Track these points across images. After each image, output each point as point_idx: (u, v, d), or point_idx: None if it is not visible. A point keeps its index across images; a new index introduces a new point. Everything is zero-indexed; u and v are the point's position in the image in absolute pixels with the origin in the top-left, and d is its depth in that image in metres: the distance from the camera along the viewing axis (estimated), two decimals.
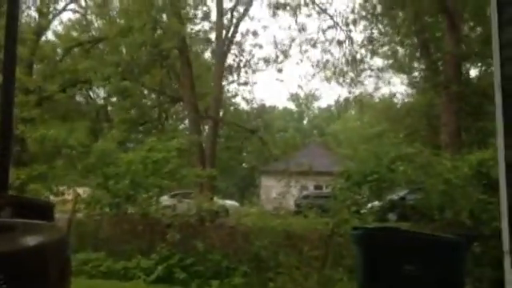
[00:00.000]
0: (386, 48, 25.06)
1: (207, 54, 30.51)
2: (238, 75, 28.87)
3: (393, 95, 29.49)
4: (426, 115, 25.47)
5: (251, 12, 26.94)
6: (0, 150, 3.89)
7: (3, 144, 3.94)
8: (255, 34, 27.18)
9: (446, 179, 9.55)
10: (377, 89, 27.92)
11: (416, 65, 26.26)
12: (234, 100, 31.78)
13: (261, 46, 28.07)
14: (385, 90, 28.14)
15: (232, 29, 26.40)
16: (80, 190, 12.88)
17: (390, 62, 25.76)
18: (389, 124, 27.86)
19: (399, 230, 5.45)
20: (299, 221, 10.87)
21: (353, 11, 24.28)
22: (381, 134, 26.33)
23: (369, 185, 10.97)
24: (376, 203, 13.79)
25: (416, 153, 11.17)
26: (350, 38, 25.20)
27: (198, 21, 25.85)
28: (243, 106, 32.24)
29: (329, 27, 25.43)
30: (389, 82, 27.22)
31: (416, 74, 26.51)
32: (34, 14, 22.76)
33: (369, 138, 27.92)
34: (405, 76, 26.88)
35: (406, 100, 28.83)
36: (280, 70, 27.29)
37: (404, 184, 12.24)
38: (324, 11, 25.40)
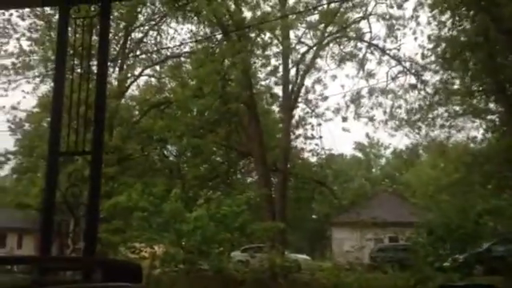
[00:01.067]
0: (458, 92, 24.22)
1: (275, 107, 31.04)
2: (305, 129, 29.01)
3: (469, 140, 27.99)
4: (506, 160, 23.87)
5: (317, 62, 27.02)
6: (89, 216, 4.17)
7: (93, 212, 4.22)
8: (322, 83, 27.25)
9: None
10: (451, 134, 26.69)
11: (492, 107, 25.04)
12: (301, 152, 31.68)
13: (325, 98, 27.69)
14: (459, 135, 26.73)
15: (298, 81, 26.80)
16: (156, 248, 13.23)
17: (464, 106, 24.77)
18: (465, 171, 26.34)
19: None
20: (377, 276, 10.39)
21: (423, 57, 24.00)
22: (457, 182, 24.93)
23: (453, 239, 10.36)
24: (457, 256, 12.85)
25: (506, 205, 10.49)
26: (422, 83, 24.78)
27: (265, 76, 26.57)
28: (311, 156, 31.97)
29: (399, 72, 25.27)
30: (463, 127, 25.89)
31: (493, 117, 25.19)
32: (113, 81, 24.60)
33: (445, 187, 26.50)
34: (480, 120, 25.63)
35: (483, 145, 27.25)
36: (345, 119, 26.87)
37: (490, 236, 11.37)
38: (394, 58, 25.32)
